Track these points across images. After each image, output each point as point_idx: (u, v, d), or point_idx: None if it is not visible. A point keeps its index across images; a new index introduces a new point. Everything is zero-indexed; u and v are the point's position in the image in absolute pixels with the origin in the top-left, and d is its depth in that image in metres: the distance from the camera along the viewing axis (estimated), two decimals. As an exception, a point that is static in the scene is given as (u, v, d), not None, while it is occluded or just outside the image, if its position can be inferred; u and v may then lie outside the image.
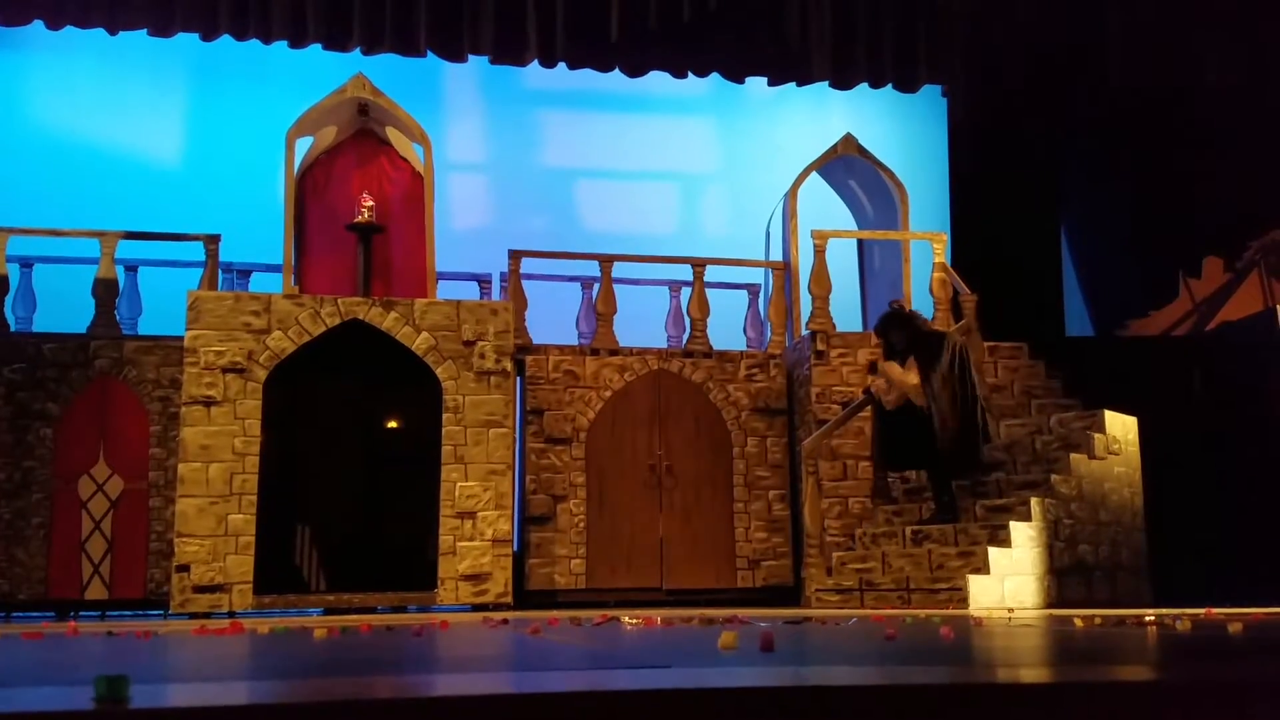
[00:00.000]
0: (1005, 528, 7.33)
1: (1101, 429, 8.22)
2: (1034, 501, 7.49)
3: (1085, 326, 11.84)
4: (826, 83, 10.99)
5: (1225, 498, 9.78)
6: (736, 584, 9.22)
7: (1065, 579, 7.53)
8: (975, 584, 7.06)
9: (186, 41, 9.99)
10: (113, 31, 9.82)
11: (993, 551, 7.19)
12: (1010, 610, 5.53)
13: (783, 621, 5.09)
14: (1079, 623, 4.82)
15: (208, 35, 9.85)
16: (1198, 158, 10.58)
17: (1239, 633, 3.90)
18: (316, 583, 8.94)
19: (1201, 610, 5.96)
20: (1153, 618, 4.92)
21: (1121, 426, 8.47)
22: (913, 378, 7.72)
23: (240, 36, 9.89)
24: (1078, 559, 7.68)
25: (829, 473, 8.96)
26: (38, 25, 9.68)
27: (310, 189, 9.26)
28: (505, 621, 5.72)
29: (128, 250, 9.10)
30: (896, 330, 7.96)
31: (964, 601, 7.01)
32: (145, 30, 9.79)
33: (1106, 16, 10.48)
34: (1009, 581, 7.20)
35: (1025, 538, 7.36)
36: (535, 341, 9.38)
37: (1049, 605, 7.26)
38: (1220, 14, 10.07)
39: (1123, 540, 8.21)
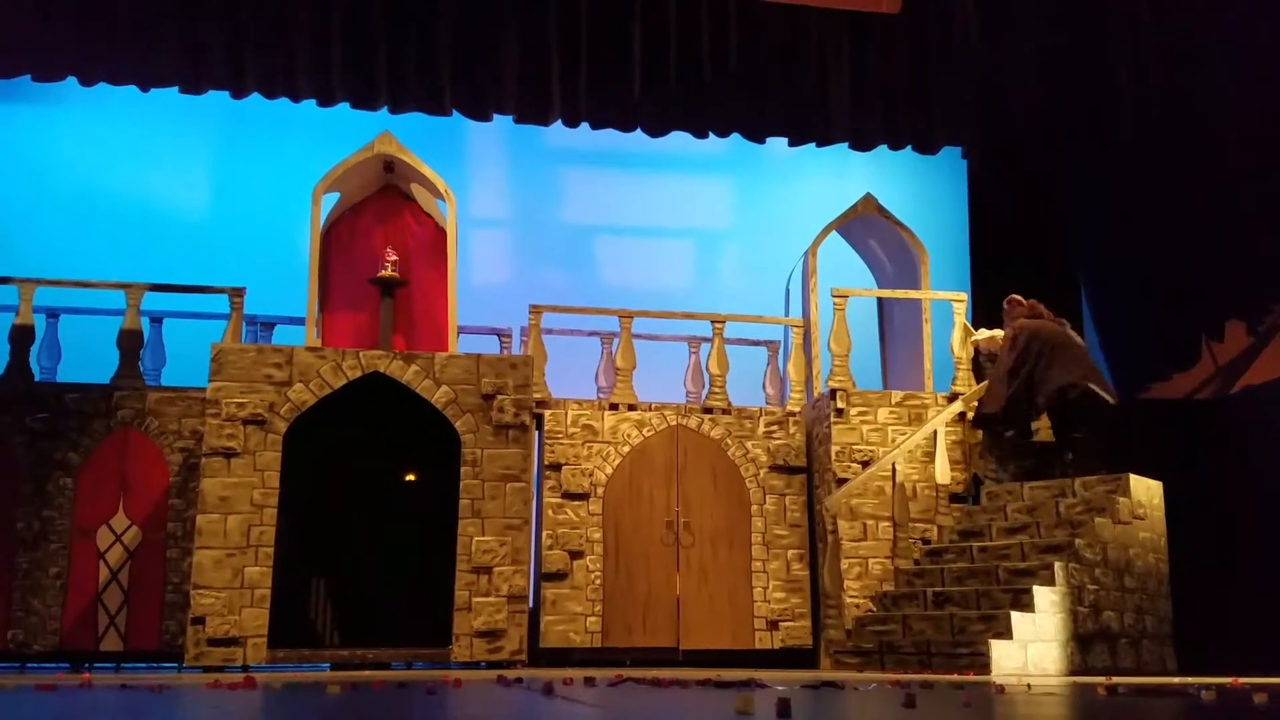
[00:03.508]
0: (1028, 592, 7.23)
1: (1126, 493, 8.13)
2: (1058, 566, 7.39)
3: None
4: (846, 144, 11.10)
5: (1250, 564, 9.63)
6: (754, 645, 9.10)
7: (1089, 646, 7.40)
8: (997, 649, 6.96)
9: (216, 97, 10.18)
10: (144, 89, 10.03)
11: (1015, 616, 7.09)
12: (1029, 686, 5.43)
13: (800, 685, 5.02)
14: (1102, 691, 4.73)
15: (237, 94, 10.06)
16: (1221, 218, 10.55)
17: (1264, 703, 3.82)
18: (331, 637, 8.88)
19: (1228, 679, 5.84)
20: (1178, 686, 4.83)
21: (1146, 491, 8.38)
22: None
23: (269, 95, 10.09)
24: (1102, 625, 7.56)
25: (849, 533, 8.88)
26: (70, 81, 9.89)
27: (335, 243, 9.35)
28: (519, 680, 5.67)
29: (153, 302, 9.19)
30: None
31: (986, 667, 6.90)
32: (176, 88, 10.00)
33: (1117, 76, 10.55)
34: (1032, 647, 7.09)
35: (1048, 603, 7.26)
36: (554, 396, 9.38)
37: (1072, 672, 7.13)
38: (1231, 67, 10.10)
39: (1148, 607, 8.08)
